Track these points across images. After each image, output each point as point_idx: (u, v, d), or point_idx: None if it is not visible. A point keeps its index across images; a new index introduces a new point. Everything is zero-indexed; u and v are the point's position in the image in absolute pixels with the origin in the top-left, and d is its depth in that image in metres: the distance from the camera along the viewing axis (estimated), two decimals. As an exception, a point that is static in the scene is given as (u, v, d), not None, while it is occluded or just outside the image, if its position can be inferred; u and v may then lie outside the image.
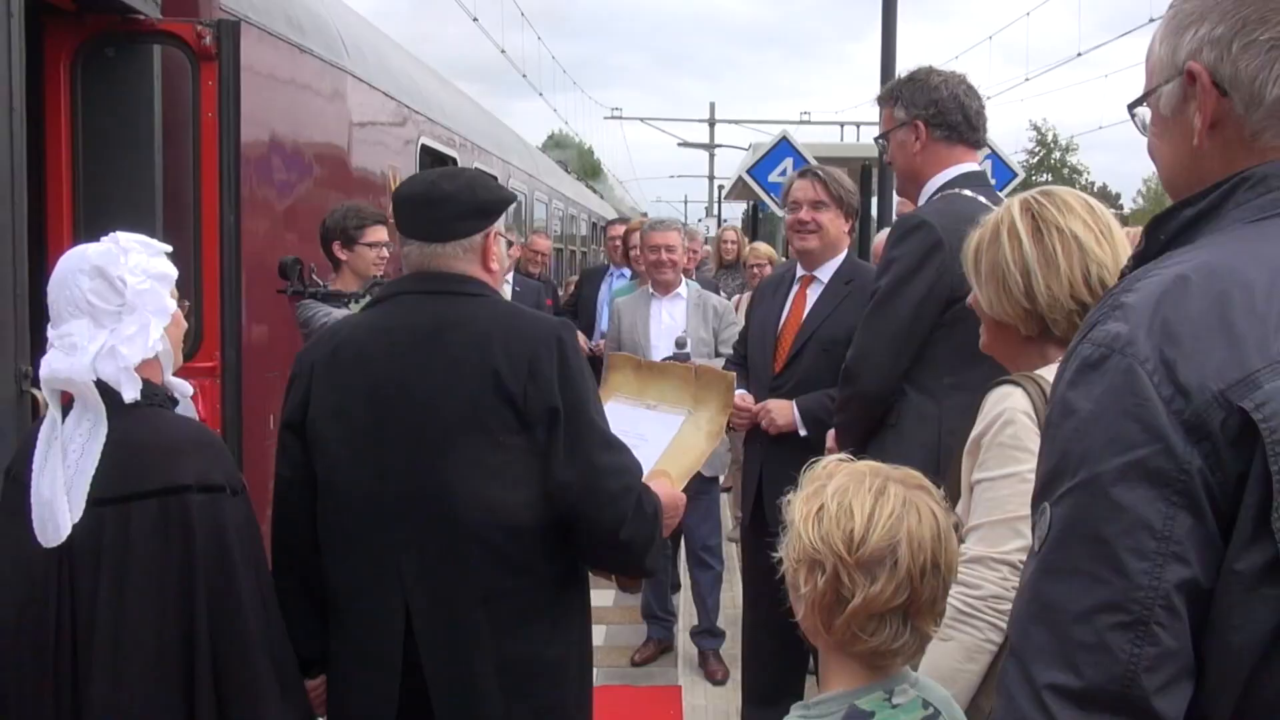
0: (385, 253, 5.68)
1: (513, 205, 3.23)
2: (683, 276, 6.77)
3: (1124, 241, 2.53)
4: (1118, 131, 45.61)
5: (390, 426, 2.85)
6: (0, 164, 3.51)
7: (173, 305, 2.85)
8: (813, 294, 4.93)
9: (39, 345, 2.91)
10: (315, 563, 2.98)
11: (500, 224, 3.06)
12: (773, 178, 12.23)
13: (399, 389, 2.86)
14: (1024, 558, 2.31)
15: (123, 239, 2.80)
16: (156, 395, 2.79)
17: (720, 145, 43.82)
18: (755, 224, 16.22)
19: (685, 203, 71.39)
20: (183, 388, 2.93)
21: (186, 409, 2.96)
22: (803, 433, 4.65)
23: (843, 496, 1.92)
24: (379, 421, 2.86)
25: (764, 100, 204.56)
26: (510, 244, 9.23)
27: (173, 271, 2.86)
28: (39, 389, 3.04)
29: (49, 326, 2.77)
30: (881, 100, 4.09)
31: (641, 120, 44.36)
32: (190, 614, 2.62)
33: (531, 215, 13.69)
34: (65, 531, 2.58)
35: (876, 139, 4.15)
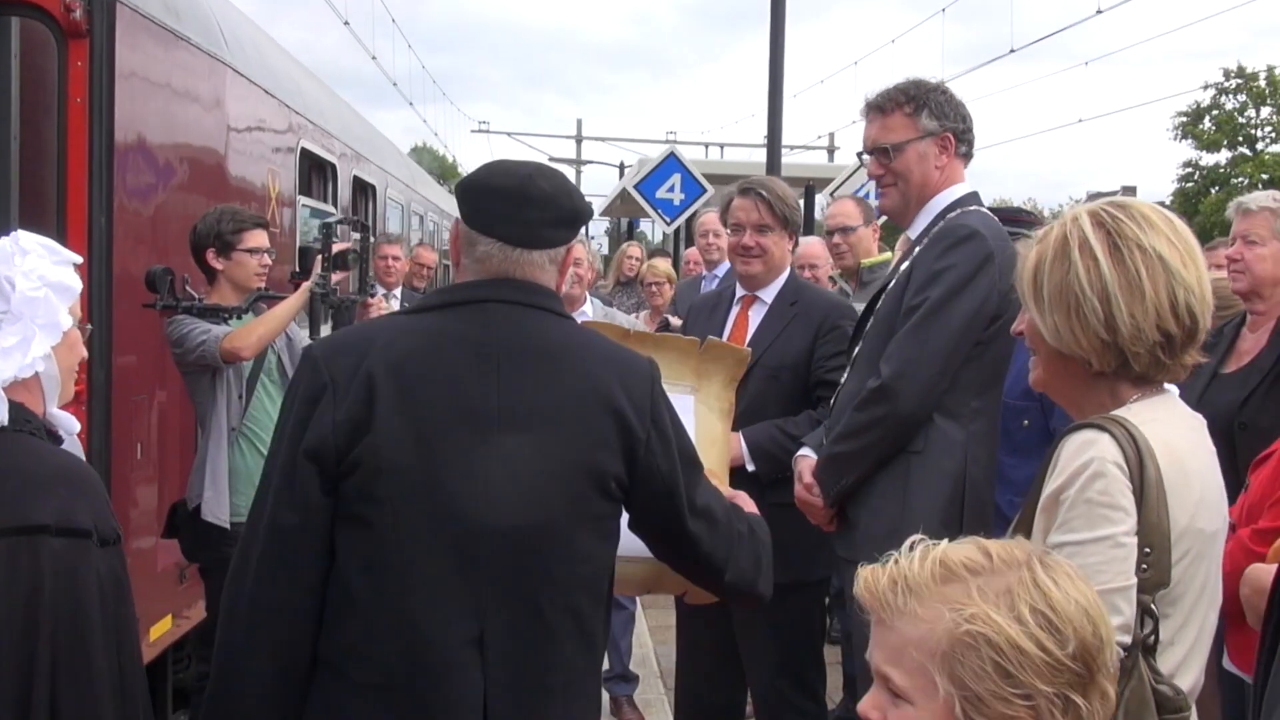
0: (268, 260, 5.13)
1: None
2: (588, 294, 6.31)
3: (1204, 263, 2.21)
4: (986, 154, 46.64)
5: (486, 464, 2.38)
6: None
7: (68, 323, 2.40)
8: (755, 316, 4.58)
9: None
10: (304, 634, 2.40)
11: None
12: (660, 193, 11.94)
13: (501, 417, 2.40)
14: (1125, 639, 1.97)
15: (24, 238, 2.42)
16: (30, 424, 2.32)
17: (589, 161, 43.61)
18: (677, 241, 15.84)
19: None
20: (67, 423, 2.46)
21: (71, 449, 2.45)
22: (751, 468, 4.24)
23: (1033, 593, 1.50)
24: (474, 455, 2.38)
25: (629, 119, 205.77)
26: (397, 257, 8.71)
27: (75, 284, 2.45)
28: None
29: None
30: (892, 106, 3.71)
31: (509, 135, 43.85)
32: (26, 684, 2.16)
33: (409, 227, 13.08)
34: None
35: (888, 146, 3.70)
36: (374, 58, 24.33)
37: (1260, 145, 44.57)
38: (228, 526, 4.68)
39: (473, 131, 43.52)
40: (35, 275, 2.35)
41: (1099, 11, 17.56)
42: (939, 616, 1.57)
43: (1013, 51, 20.57)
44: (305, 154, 7.87)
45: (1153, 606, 2.03)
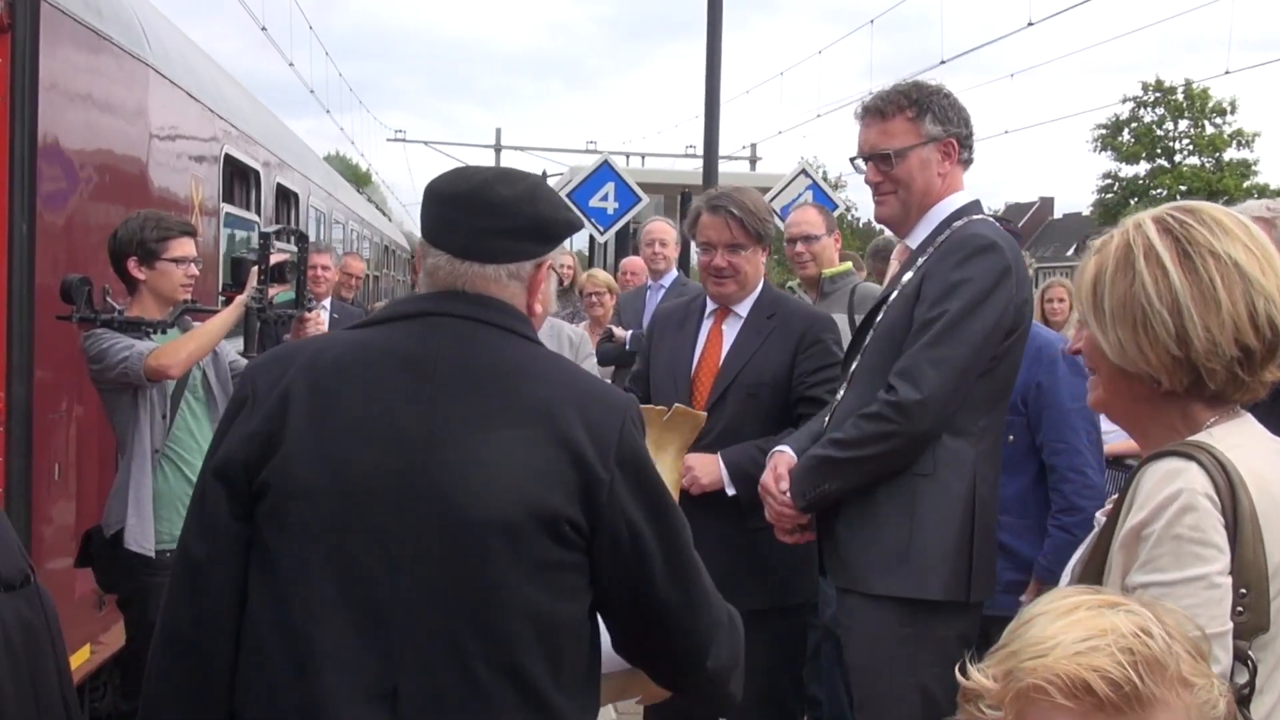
0: (194, 270, 4.78)
1: (575, 233, 2.53)
2: None
3: None
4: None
5: (412, 495, 2.06)
6: None
7: None
8: (730, 330, 4.32)
9: None
10: (212, 684, 2.13)
11: (555, 255, 2.39)
12: (594, 202, 11.80)
13: (431, 441, 2.08)
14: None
15: None
16: None
17: (511, 171, 43.08)
18: (591, 249, 15.68)
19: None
20: None
21: None
22: (731, 491, 4.02)
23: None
24: (397, 483, 2.07)
25: (547, 128, 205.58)
26: (326, 267, 8.48)
27: None
28: None
29: None
30: (893, 109, 3.54)
31: (425, 144, 43.37)
32: None
33: (330, 236, 12.81)
34: None
35: (890, 152, 3.53)
36: (291, 64, 23.92)
37: (1178, 157, 45.41)
38: (152, 555, 4.43)
39: (389, 140, 42.84)
40: None
41: (1030, 24, 17.70)
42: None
43: (943, 63, 20.65)
44: (229, 160, 7.62)
45: (1250, 654, 1.86)
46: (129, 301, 4.71)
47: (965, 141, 3.55)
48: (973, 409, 3.39)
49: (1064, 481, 4.23)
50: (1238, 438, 1.99)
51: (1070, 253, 55.80)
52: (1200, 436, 1.97)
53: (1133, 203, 44.95)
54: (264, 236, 5.05)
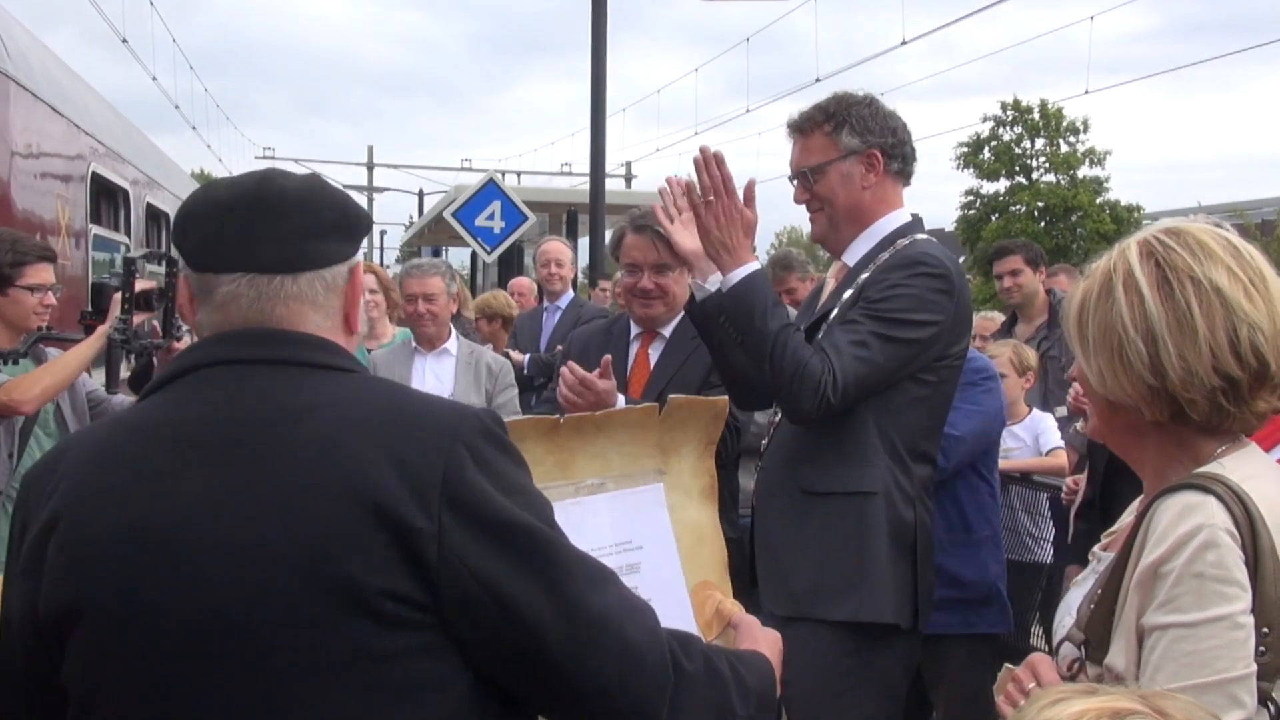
0: (51, 298, 4.36)
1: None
2: (452, 329, 5.84)
3: None
4: (768, 188, 47.51)
5: (173, 612, 1.62)
6: None
7: None
8: (655, 352, 4.26)
9: None
10: None
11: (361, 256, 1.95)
12: (480, 221, 11.52)
13: (195, 523, 1.64)
14: None
15: None
16: None
17: (386, 189, 42.70)
18: (474, 270, 15.42)
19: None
20: None
21: None
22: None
23: None
24: (153, 603, 1.63)
25: (417, 147, 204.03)
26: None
27: None
28: None
29: None
30: (811, 125, 3.41)
31: (295, 161, 42.41)
32: None
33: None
34: None
35: (807, 170, 3.41)
36: (154, 78, 23.18)
37: (1035, 175, 46.64)
38: None
39: (257, 158, 41.75)
40: None
41: (904, 42, 17.98)
42: None
43: (818, 81, 20.77)
44: (96, 179, 7.18)
45: (1273, 695, 1.77)
46: None
47: (892, 151, 3.40)
48: (912, 434, 3.31)
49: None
50: (1249, 468, 1.91)
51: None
52: (1211, 468, 1.89)
53: (994, 218, 46.01)
54: (128, 261, 4.62)
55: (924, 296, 3.22)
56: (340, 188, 1.92)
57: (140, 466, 1.69)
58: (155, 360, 4.92)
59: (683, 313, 4.12)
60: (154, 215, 9.25)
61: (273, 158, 40.66)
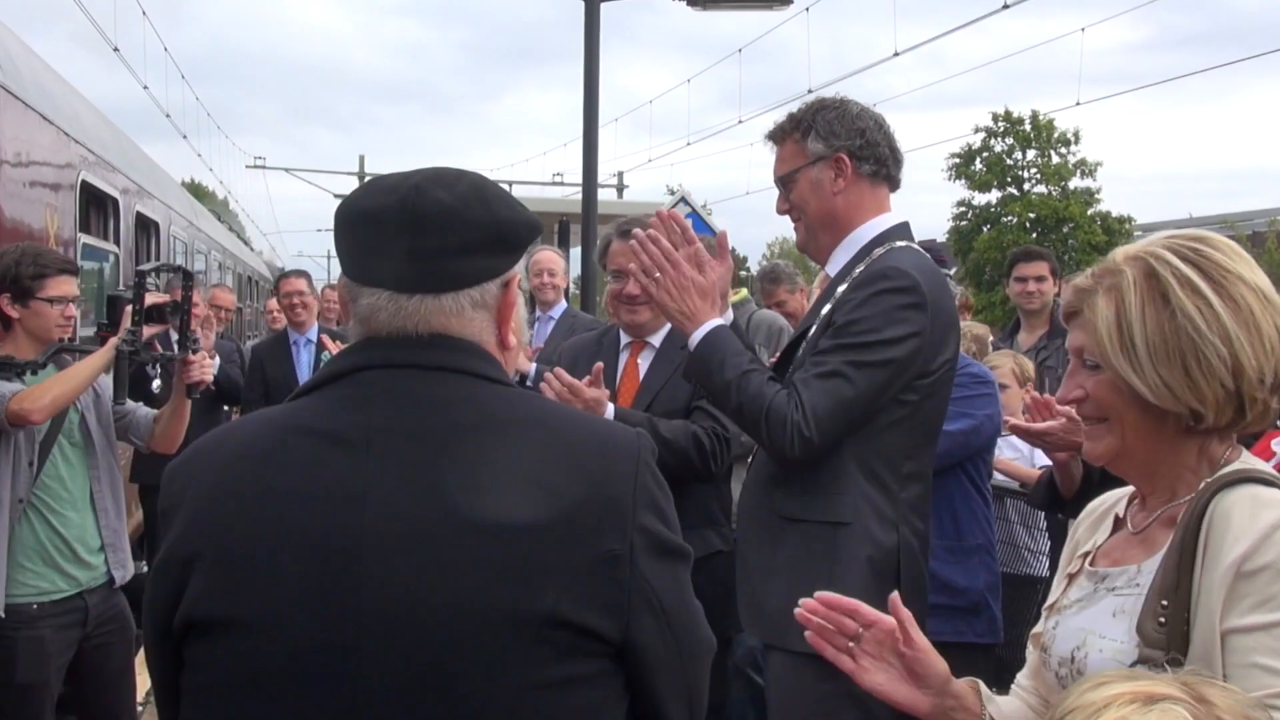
0: (73, 310, 4.45)
1: (539, 235, 1.95)
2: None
3: None
4: (759, 199, 47.50)
5: (353, 606, 1.56)
6: None
7: None
8: (645, 362, 4.32)
9: None
10: None
11: (521, 268, 1.88)
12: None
13: (366, 542, 1.57)
14: None
15: None
16: None
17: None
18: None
19: (328, 257, 69.44)
20: None
21: None
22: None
23: None
24: (327, 605, 1.56)
25: (408, 155, 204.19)
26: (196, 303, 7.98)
27: None
28: None
29: None
30: (781, 134, 3.38)
31: (286, 171, 42.29)
32: None
33: (192, 267, 12.23)
34: None
35: (777, 180, 3.39)
36: (145, 87, 23.11)
37: (1027, 186, 46.76)
38: (1, 613, 4.02)
39: (248, 167, 41.56)
40: None
41: (896, 53, 18.02)
42: None
43: (810, 92, 20.78)
44: (86, 187, 7.13)
45: None
46: (1, 338, 4.35)
47: (861, 153, 3.28)
48: (893, 456, 3.16)
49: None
50: (1260, 463, 1.93)
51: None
52: (1237, 466, 1.89)
53: (985, 229, 46.12)
54: (139, 274, 4.63)
55: (891, 314, 3.09)
56: (500, 194, 1.79)
57: (310, 475, 1.62)
58: (169, 372, 4.96)
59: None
60: (144, 224, 9.20)
61: (264, 166, 40.55)
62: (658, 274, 3.22)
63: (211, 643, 1.61)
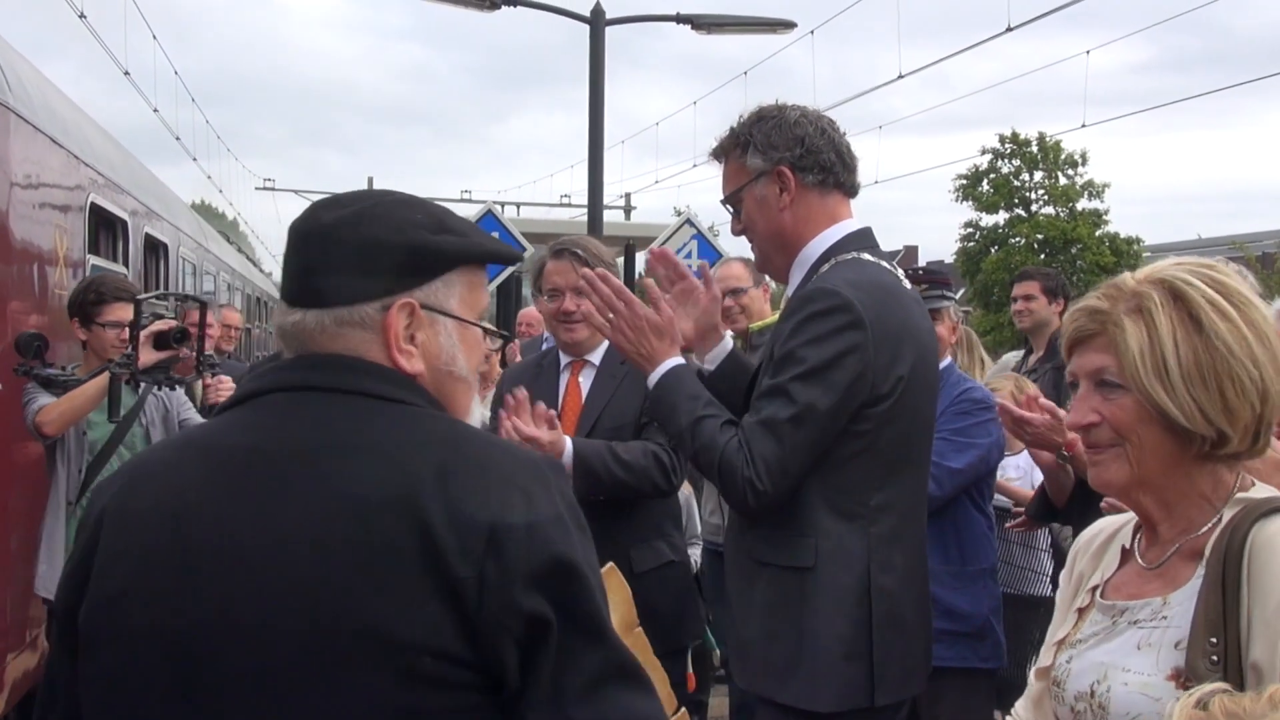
0: (127, 334, 4.95)
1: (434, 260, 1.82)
2: None
3: None
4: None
5: (208, 638, 1.57)
6: None
7: None
8: (585, 381, 4.29)
9: None
10: None
11: (428, 293, 1.78)
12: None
13: (228, 562, 1.58)
14: None
15: None
16: None
17: (384, 220, 42.63)
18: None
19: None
20: None
21: None
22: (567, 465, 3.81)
23: None
24: (185, 624, 1.58)
25: (415, 177, 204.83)
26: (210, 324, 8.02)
27: None
28: None
29: None
30: (722, 152, 3.23)
31: (296, 192, 42.63)
32: None
33: (201, 288, 12.30)
34: None
35: (723, 201, 3.27)
36: (155, 110, 23.25)
37: (1034, 207, 46.70)
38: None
39: (258, 189, 41.79)
40: None
41: (900, 75, 18.07)
42: None
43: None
44: (95, 209, 7.19)
45: None
46: (85, 355, 5.15)
47: (801, 163, 3.09)
48: (856, 490, 2.97)
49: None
50: (1271, 491, 1.95)
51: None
52: (1257, 493, 1.92)
53: (993, 250, 46.05)
54: (137, 302, 4.96)
55: (823, 340, 2.89)
56: (401, 219, 1.77)
57: (185, 483, 1.67)
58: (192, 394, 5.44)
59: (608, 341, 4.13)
60: (152, 246, 9.25)
61: (273, 188, 40.71)
62: (610, 315, 3.17)
63: (98, 626, 1.66)
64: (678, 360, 3.15)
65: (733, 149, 3.20)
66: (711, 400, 3.08)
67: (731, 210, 3.25)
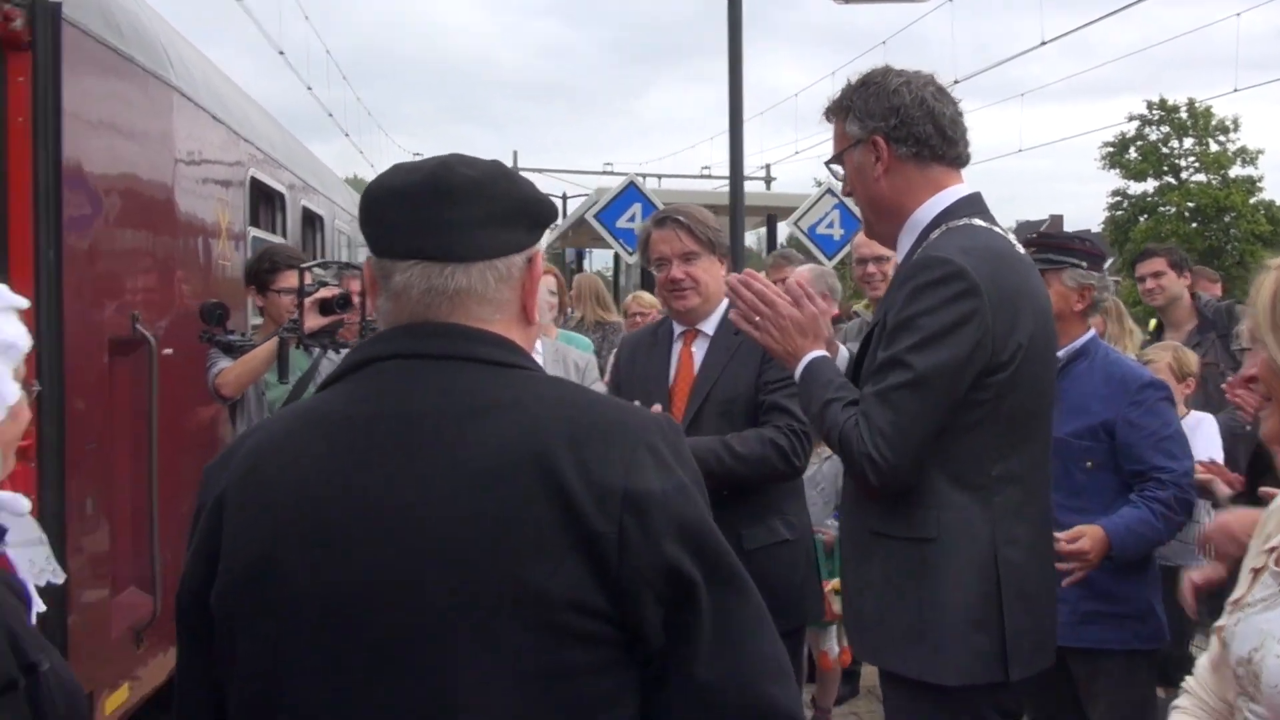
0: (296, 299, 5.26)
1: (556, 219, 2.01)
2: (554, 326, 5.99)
3: None
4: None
5: (353, 601, 1.61)
6: None
7: (14, 394, 1.89)
8: (699, 351, 4.23)
9: None
10: None
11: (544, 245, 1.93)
12: (621, 223, 11.63)
13: (368, 528, 1.62)
14: None
15: None
16: None
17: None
18: (616, 272, 15.52)
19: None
20: (13, 504, 1.96)
21: (23, 532, 1.98)
22: None
23: None
24: (332, 591, 1.62)
25: (557, 151, 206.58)
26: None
27: (21, 340, 1.92)
28: None
29: None
30: (830, 113, 3.21)
31: (440, 168, 42.89)
32: None
33: (356, 259, 12.58)
34: None
35: (828, 163, 3.26)
36: (309, 88, 23.88)
37: (1185, 175, 45.30)
38: None
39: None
40: None
41: (1043, 42, 17.70)
42: None
43: (956, 83, 20.50)
44: (254, 184, 7.41)
45: None
46: (265, 323, 5.54)
47: (895, 134, 3.03)
48: (978, 461, 2.89)
49: (1172, 488, 4.02)
50: None
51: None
52: None
53: (1142, 219, 44.84)
54: (301, 270, 5.28)
55: (938, 308, 2.82)
56: (521, 176, 1.87)
57: (311, 455, 1.69)
58: None
59: (722, 309, 4.13)
60: (309, 219, 9.51)
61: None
62: (757, 318, 3.16)
63: (235, 604, 1.68)
64: (818, 353, 3.12)
65: (837, 112, 3.17)
66: (844, 384, 3.04)
67: (837, 172, 3.24)
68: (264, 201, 8.08)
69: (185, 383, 5.32)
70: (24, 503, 2.01)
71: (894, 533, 2.96)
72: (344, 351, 5.34)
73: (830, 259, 11.79)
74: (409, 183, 1.77)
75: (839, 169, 3.21)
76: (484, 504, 1.58)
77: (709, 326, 4.20)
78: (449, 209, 1.74)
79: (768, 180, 35.21)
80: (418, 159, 1.89)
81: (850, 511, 3.20)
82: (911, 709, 2.96)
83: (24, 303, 1.96)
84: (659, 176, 36.43)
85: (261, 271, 5.45)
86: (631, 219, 11.64)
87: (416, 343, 1.74)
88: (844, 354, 3.32)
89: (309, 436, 1.72)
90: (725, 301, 4.07)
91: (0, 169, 3.72)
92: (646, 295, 8.59)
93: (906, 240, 3.10)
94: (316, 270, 5.35)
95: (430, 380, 1.70)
